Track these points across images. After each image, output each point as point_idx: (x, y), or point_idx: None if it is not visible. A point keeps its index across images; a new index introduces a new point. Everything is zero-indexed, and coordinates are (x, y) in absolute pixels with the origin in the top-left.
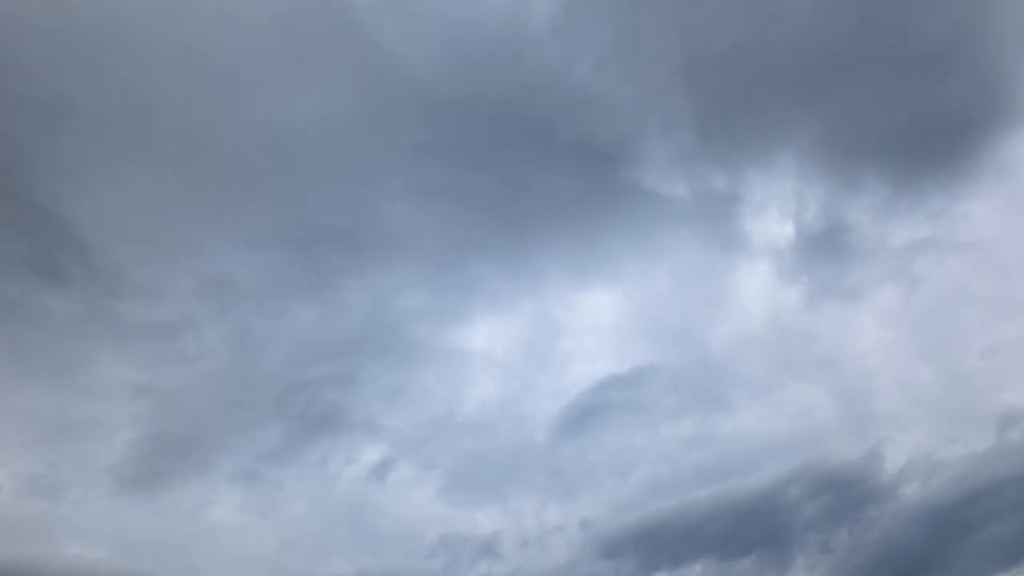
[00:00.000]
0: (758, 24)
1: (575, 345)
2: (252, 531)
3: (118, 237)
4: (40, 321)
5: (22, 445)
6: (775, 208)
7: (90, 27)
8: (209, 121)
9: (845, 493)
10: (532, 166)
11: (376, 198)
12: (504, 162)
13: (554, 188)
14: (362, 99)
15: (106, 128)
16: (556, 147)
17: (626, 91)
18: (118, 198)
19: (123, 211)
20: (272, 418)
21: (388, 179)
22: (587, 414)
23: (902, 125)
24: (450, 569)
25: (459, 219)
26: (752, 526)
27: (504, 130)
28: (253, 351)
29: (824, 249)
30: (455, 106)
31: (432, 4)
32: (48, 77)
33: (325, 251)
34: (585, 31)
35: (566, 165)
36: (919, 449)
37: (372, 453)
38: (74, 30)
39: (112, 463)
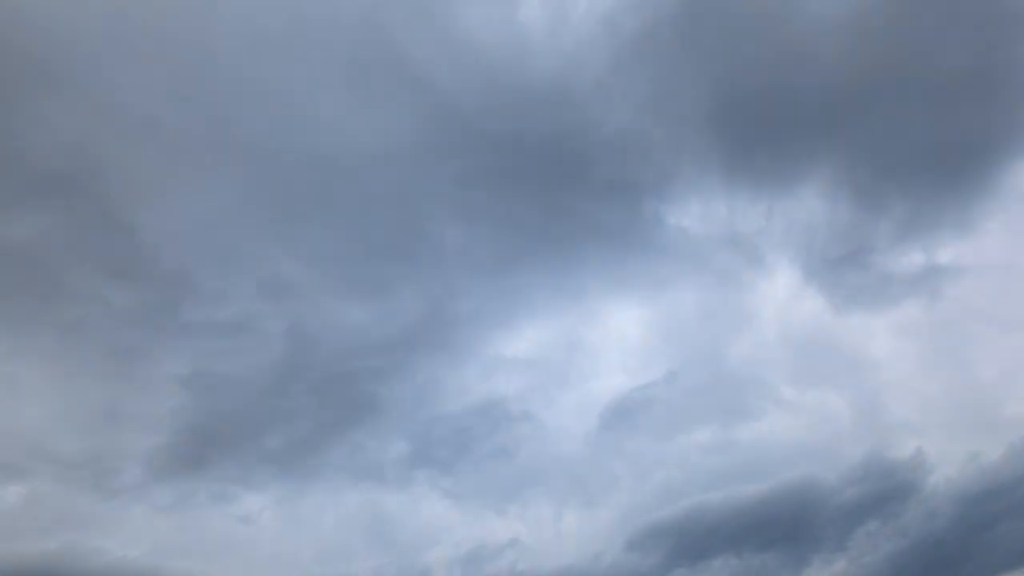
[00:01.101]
0: (785, 62)
1: (606, 356)
2: (283, 526)
3: (188, 245)
4: (103, 316)
5: (68, 432)
6: (798, 232)
7: (188, 56)
8: (282, 147)
9: (862, 495)
10: (571, 195)
11: (428, 218)
12: (545, 190)
13: (592, 215)
14: (417, 131)
15: (187, 147)
16: (594, 180)
17: (660, 132)
18: (192, 211)
19: (195, 223)
20: (309, 408)
21: (439, 202)
22: (613, 420)
23: (923, 150)
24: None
25: (505, 238)
26: (770, 527)
27: (545, 164)
28: (304, 347)
29: (845, 270)
30: (501, 141)
31: (485, 52)
32: (143, 95)
33: (381, 261)
34: (626, 84)
35: (603, 195)
36: (935, 453)
37: (401, 445)
38: (173, 57)
39: (152, 454)
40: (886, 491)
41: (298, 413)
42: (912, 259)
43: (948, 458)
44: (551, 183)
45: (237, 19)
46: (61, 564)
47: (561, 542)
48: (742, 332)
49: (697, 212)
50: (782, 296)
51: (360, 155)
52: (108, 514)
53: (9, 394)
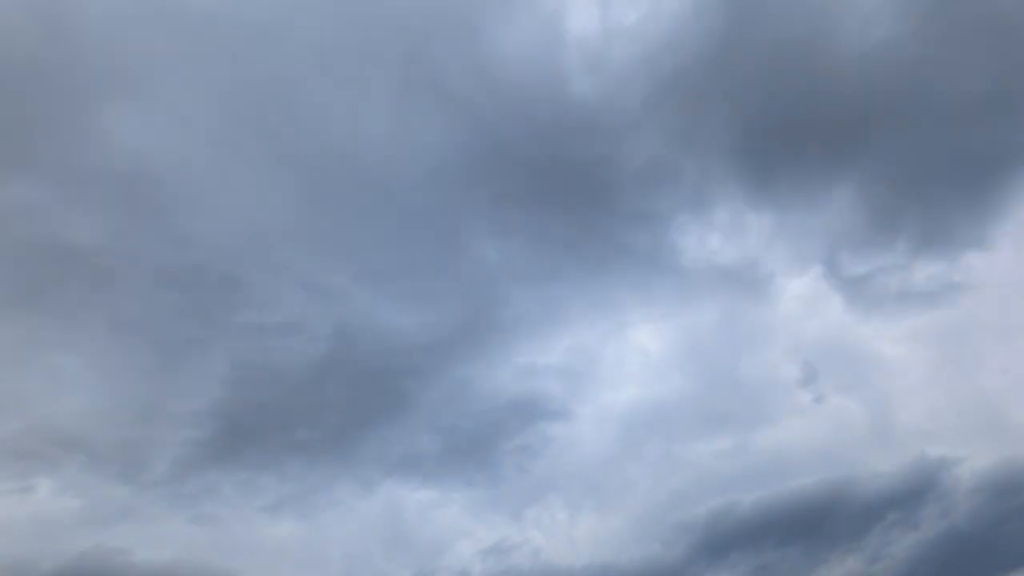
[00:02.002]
0: (810, 92)
1: (630, 367)
2: (309, 519)
3: (240, 252)
4: (153, 316)
5: (104, 425)
6: (818, 249)
7: (247, 74)
8: (332, 165)
9: (876, 497)
10: (603, 217)
11: (468, 233)
12: (578, 213)
13: (622, 237)
14: (459, 154)
15: (244, 160)
16: (624, 205)
17: (688, 161)
18: (247, 220)
19: (249, 232)
20: (343, 403)
21: (479, 218)
22: (634, 427)
23: (940, 171)
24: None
25: (541, 254)
26: (789, 527)
27: (579, 188)
28: (345, 346)
29: (863, 284)
30: (538, 165)
31: (527, 84)
32: (203, 109)
33: (423, 272)
34: (658, 117)
35: (632, 219)
36: (952, 456)
37: (429, 442)
38: (233, 74)
39: (186, 448)
40: (902, 491)
41: (332, 408)
42: (928, 273)
43: (966, 459)
44: (584, 206)
45: (294, 42)
46: (86, 562)
47: (581, 540)
48: (761, 344)
49: (721, 234)
50: (802, 310)
51: (406, 174)
52: (134, 506)
53: (51, 385)
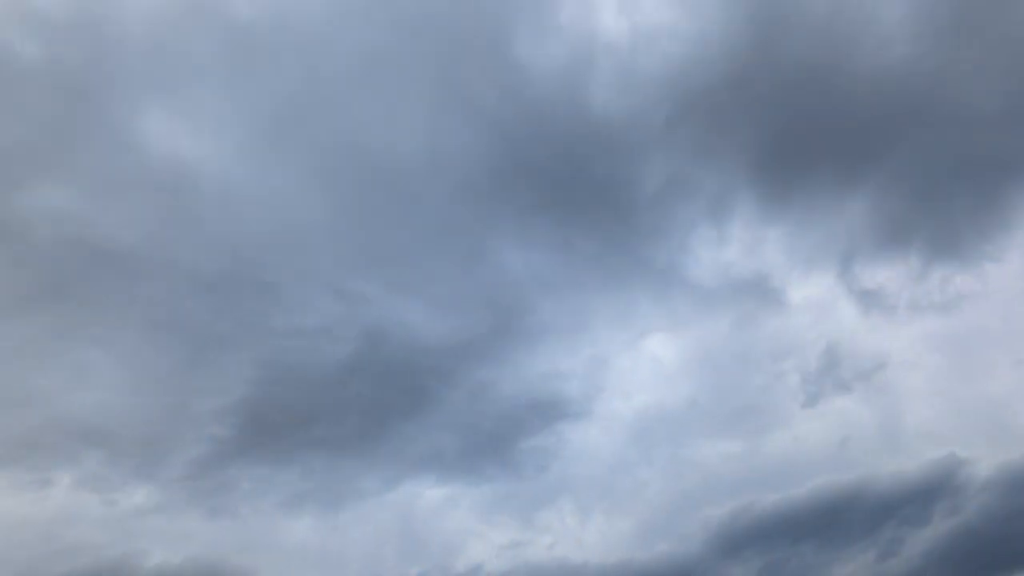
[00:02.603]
0: (827, 109)
1: (646, 375)
2: (327, 516)
3: (275, 258)
4: (186, 318)
5: (127, 422)
6: (830, 257)
7: (282, 88)
8: (364, 178)
9: (887, 497)
10: (625, 231)
11: (496, 243)
12: (601, 226)
13: (643, 249)
14: (487, 167)
15: (281, 172)
16: (646, 219)
17: (708, 177)
18: (282, 227)
19: (284, 239)
20: (366, 401)
21: (506, 229)
22: (646, 432)
23: (949, 183)
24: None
25: (565, 265)
26: (801, 526)
27: (602, 202)
28: (372, 347)
29: (875, 292)
30: (559, 179)
31: (554, 101)
32: (242, 117)
33: (452, 280)
34: (680, 135)
35: (653, 233)
36: (961, 457)
37: (449, 442)
38: (270, 86)
39: (207, 444)
40: (913, 492)
41: (355, 407)
42: (940, 283)
43: (975, 460)
44: (606, 220)
45: (333, 55)
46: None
47: (596, 538)
48: (774, 352)
49: (737, 246)
50: (815, 318)
51: (437, 185)
52: (152, 501)
53: (77, 381)
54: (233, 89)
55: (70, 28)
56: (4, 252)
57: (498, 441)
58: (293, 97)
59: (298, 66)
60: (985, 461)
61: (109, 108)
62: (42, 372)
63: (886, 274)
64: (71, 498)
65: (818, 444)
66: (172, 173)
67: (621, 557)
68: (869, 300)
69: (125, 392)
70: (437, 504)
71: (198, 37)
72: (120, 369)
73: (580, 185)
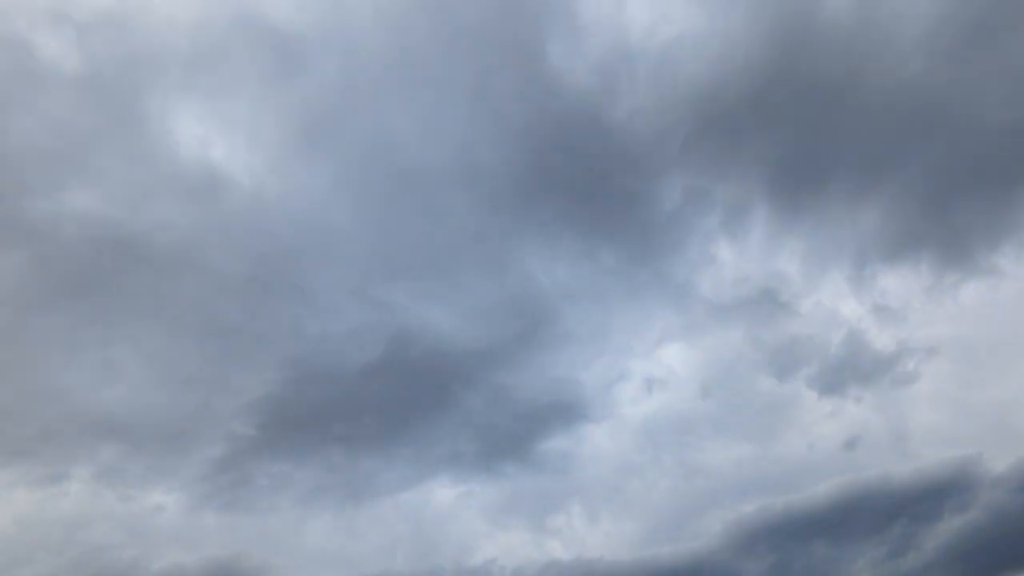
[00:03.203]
0: (840, 125)
1: (664, 383)
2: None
3: (309, 266)
4: (216, 321)
5: (149, 418)
6: (839, 273)
7: (314, 102)
8: (397, 192)
9: (900, 497)
10: (645, 244)
11: (518, 254)
12: (623, 238)
13: (660, 263)
14: (515, 180)
15: (314, 187)
16: (666, 235)
17: (726, 192)
18: (315, 237)
19: (317, 248)
20: (390, 402)
21: (528, 242)
22: (662, 436)
23: (959, 195)
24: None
25: (586, 275)
26: (813, 525)
27: (625, 216)
28: (400, 351)
29: (885, 301)
30: (583, 194)
31: (578, 120)
32: (276, 124)
33: (480, 288)
34: (700, 153)
35: (673, 247)
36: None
37: (466, 442)
38: (316, 96)
39: (224, 442)
40: (924, 491)
41: (379, 407)
42: (950, 291)
43: (986, 460)
44: (628, 232)
45: (370, 67)
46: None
47: (610, 537)
48: (789, 358)
49: (753, 257)
50: (829, 325)
51: (465, 196)
52: (171, 498)
53: (101, 377)
54: (268, 96)
55: (107, 34)
56: (37, 250)
57: (516, 442)
58: (327, 105)
59: (333, 74)
60: (998, 461)
61: (144, 113)
62: (67, 366)
63: (898, 281)
64: (89, 492)
65: (830, 446)
66: (205, 177)
67: (637, 554)
68: (881, 307)
69: (149, 389)
70: (454, 502)
71: (235, 44)
72: (143, 371)
73: (604, 199)
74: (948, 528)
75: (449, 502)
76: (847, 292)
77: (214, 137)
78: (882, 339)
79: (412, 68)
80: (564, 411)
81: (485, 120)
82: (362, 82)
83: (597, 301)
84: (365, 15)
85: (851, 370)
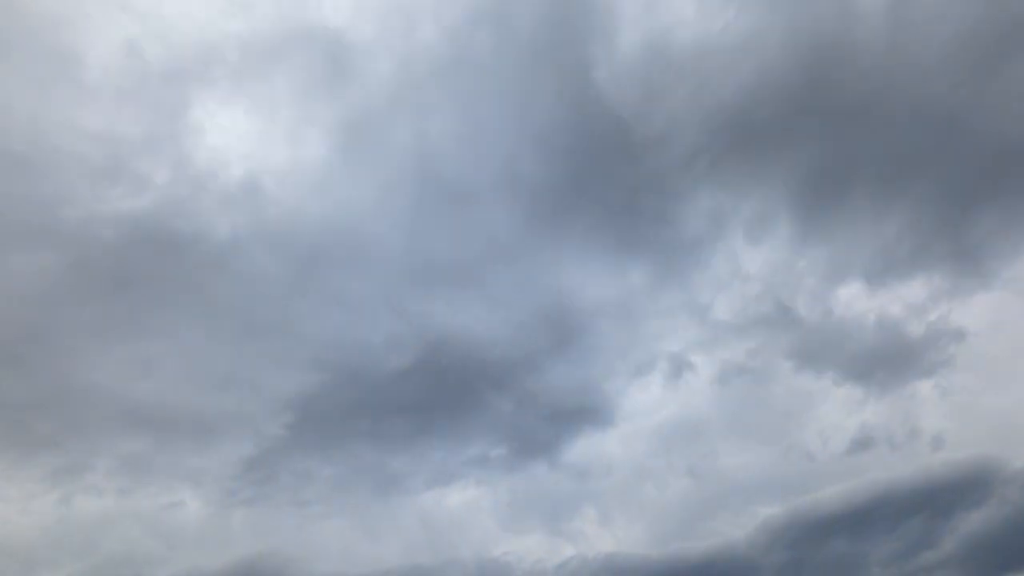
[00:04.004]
0: (862, 143)
1: (682, 394)
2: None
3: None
4: (254, 323)
5: (180, 407)
6: (857, 283)
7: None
8: (439, 201)
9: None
10: (670, 260)
11: (552, 266)
12: (654, 258)
13: (686, 277)
14: (550, 195)
15: (356, 206)
16: (691, 252)
17: (750, 208)
18: (354, 240)
19: (353, 252)
20: (424, 403)
21: (562, 254)
22: (678, 439)
23: (976, 208)
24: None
25: (617, 288)
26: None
27: (653, 234)
28: (433, 356)
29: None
30: (616, 211)
31: (613, 144)
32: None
33: (509, 297)
34: (724, 173)
35: (697, 266)
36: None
37: (494, 447)
38: (363, 103)
39: (251, 437)
40: (933, 492)
41: (408, 408)
42: (965, 299)
43: (1005, 460)
44: (656, 250)
45: (418, 75)
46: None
47: (631, 534)
48: (805, 364)
49: (774, 267)
50: (848, 332)
51: (502, 213)
52: (192, 491)
53: (138, 371)
54: (313, 104)
55: (154, 45)
56: (80, 251)
57: (541, 444)
58: (372, 114)
59: (380, 84)
60: (1012, 460)
61: (189, 121)
62: (102, 360)
63: (916, 292)
64: (113, 485)
65: (847, 445)
66: (248, 183)
67: (658, 550)
68: (900, 314)
69: (182, 388)
70: (478, 501)
71: (284, 53)
72: (179, 366)
73: (635, 218)
74: (969, 524)
75: (473, 501)
76: (865, 301)
77: (259, 144)
78: (900, 345)
79: (460, 81)
80: (589, 416)
81: (527, 137)
82: (409, 92)
83: (624, 313)
84: (422, 28)
85: (870, 374)
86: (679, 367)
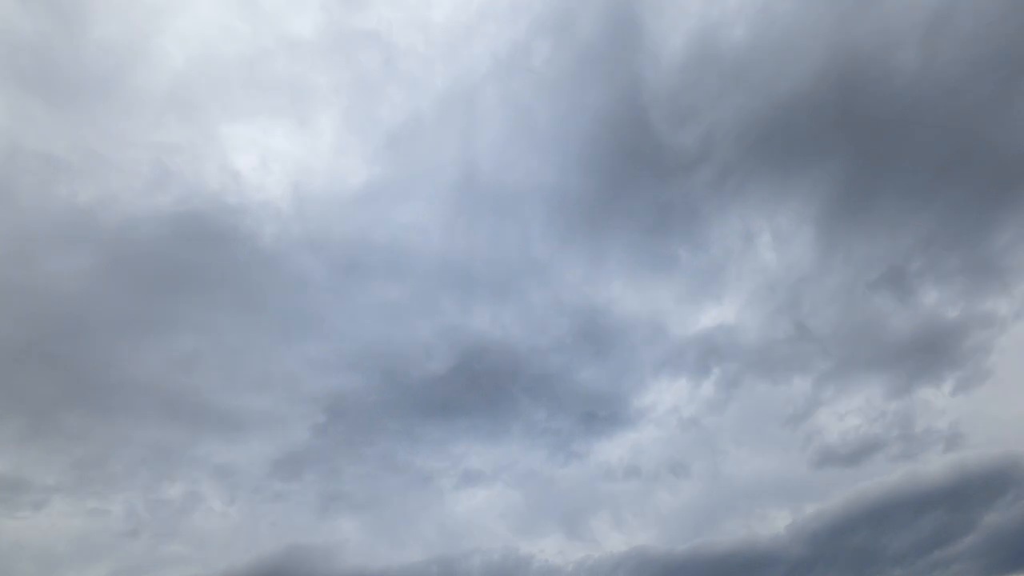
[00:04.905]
0: (887, 151)
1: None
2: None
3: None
4: (285, 330)
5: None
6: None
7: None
8: (484, 212)
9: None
10: (697, 282)
11: (585, 278)
12: (678, 272)
13: (712, 296)
14: (586, 209)
15: (403, 235)
16: (716, 271)
17: (778, 224)
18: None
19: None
20: (463, 407)
21: (595, 268)
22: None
23: (993, 217)
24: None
25: (644, 303)
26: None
27: (680, 255)
28: (470, 363)
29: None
30: (651, 231)
31: (651, 160)
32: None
33: (543, 304)
34: (753, 198)
35: (721, 282)
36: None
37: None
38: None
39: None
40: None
41: (440, 411)
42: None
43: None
44: (685, 267)
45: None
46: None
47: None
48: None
49: (796, 280)
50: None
51: (540, 226)
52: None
53: (176, 366)
54: (358, 111)
55: (198, 62)
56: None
57: (572, 446)
58: (417, 122)
59: (423, 90)
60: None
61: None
62: (146, 355)
63: (937, 298)
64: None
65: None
66: (293, 186)
67: (685, 544)
68: (922, 321)
69: (220, 382)
70: (508, 497)
71: (332, 58)
72: (223, 359)
73: (667, 238)
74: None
75: (501, 499)
76: (889, 307)
77: (304, 153)
78: (923, 346)
79: (509, 93)
80: (616, 420)
81: (571, 154)
82: (458, 100)
83: (653, 328)
84: (480, 37)
85: (893, 375)
86: (705, 373)
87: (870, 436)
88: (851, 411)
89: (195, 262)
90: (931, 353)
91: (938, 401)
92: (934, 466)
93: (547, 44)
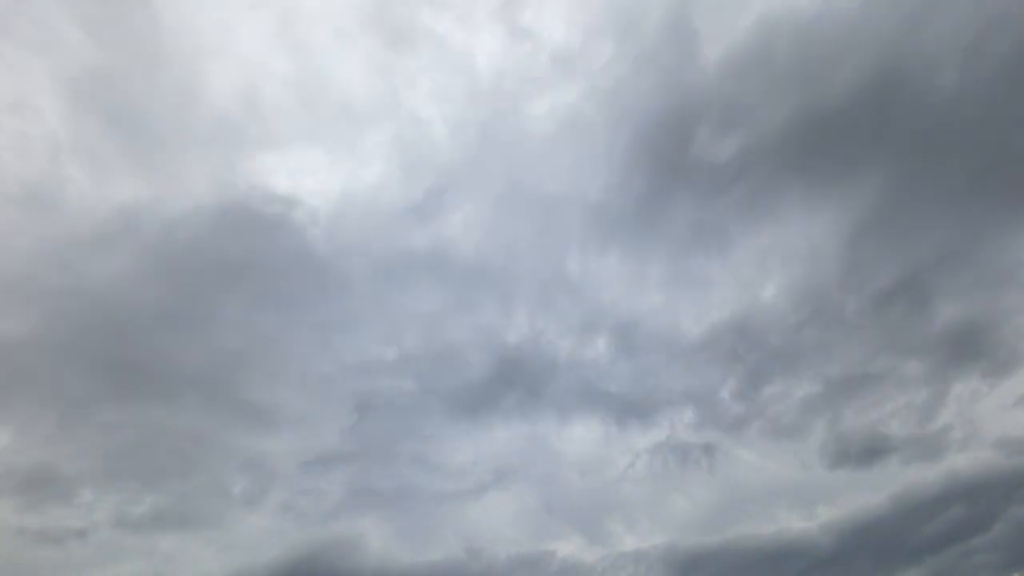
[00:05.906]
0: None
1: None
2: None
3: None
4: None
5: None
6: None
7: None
8: (531, 220)
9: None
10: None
11: (615, 288)
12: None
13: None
14: (623, 222)
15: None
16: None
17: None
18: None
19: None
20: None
21: (619, 278)
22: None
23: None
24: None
25: (665, 312)
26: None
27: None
28: (506, 367)
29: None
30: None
31: (686, 184)
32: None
33: (576, 310)
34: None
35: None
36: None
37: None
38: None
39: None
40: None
41: (473, 412)
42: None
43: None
44: (710, 286)
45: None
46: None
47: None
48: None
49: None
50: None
51: (576, 235)
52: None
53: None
54: (407, 123)
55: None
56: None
57: (598, 444)
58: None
59: (502, 99)
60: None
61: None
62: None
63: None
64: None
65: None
66: (340, 198)
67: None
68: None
69: (259, 370)
70: (530, 500)
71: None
72: (262, 353)
73: (696, 253)
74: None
75: (527, 500)
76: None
77: (354, 165)
78: (952, 348)
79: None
80: (635, 416)
81: (616, 168)
82: (513, 105)
83: (675, 333)
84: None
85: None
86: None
87: (892, 434)
88: (874, 408)
89: (242, 261)
90: (956, 353)
91: (964, 397)
92: (955, 462)
93: (617, 37)
